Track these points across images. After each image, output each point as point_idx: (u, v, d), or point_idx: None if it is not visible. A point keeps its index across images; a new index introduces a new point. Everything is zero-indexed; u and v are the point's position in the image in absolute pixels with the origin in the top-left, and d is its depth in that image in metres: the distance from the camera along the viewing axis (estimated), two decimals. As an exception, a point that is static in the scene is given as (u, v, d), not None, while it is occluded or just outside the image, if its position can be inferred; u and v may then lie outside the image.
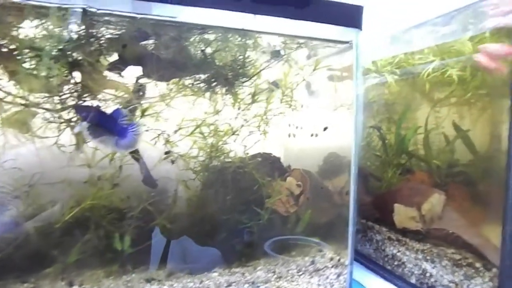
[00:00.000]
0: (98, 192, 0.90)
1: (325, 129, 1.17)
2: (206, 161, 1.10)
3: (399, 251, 1.20)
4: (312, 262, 1.03)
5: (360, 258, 1.35)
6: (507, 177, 0.92)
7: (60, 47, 0.81)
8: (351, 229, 1.07)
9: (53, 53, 0.81)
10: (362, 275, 1.24)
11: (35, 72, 0.84)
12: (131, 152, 1.05)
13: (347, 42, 1.02)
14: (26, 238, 0.87)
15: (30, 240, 0.86)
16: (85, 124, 0.84)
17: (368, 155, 1.57)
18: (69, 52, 0.84)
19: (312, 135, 1.22)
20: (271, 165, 1.21)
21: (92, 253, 0.92)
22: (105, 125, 0.84)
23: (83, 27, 0.83)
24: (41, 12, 0.83)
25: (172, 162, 0.99)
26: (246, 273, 0.94)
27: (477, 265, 0.97)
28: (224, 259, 1.02)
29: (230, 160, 1.12)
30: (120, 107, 0.92)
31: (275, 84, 1.08)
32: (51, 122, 0.92)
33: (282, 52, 1.08)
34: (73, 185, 0.91)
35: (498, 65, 1.03)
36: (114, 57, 0.99)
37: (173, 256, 1.01)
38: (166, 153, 0.98)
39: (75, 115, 0.89)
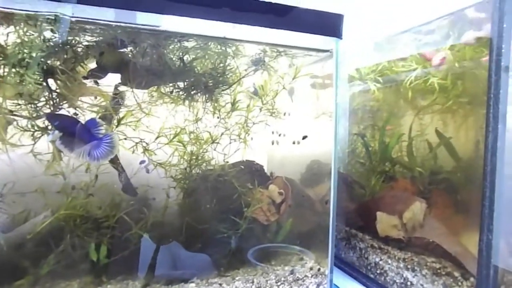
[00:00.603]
0: (72, 202, 0.88)
1: (304, 137, 1.16)
2: (186, 169, 1.09)
3: (381, 260, 1.20)
4: (292, 272, 1.02)
5: (344, 265, 1.35)
6: (483, 185, 0.92)
7: (33, 54, 0.80)
8: (331, 237, 1.07)
9: (26, 60, 0.80)
10: (345, 282, 1.24)
11: (8, 79, 0.83)
12: (110, 161, 1.04)
13: (327, 51, 1.02)
14: (-2, 249, 0.85)
15: (0, 251, 0.84)
16: (57, 133, 0.82)
17: (352, 162, 1.57)
18: (42, 60, 0.83)
19: (294, 142, 1.21)
20: (254, 173, 1.20)
21: (67, 264, 0.90)
22: (79, 135, 0.82)
23: (57, 34, 0.81)
24: (14, 19, 0.81)
25: (147, 171, 0.97)
26: (224, 284, 0.93)
27: (456, 274, 0.97)
28: (204, 268, 1.01)
29: (211, 168, 1.10)
30: (97, 116, 0.90)
31: (255, 93, 1.08)
32: (26, 130, 0.90)
33: (263, 60, 1.07)
34: (47, 194, 0.89)
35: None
36: (93, 64, 0.98)
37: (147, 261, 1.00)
38: (141, 162, 0.96)
39: (49, 123, 0.88)
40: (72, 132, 0.82)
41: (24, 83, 0.83)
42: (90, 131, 0.83)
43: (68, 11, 0.80)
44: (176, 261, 1.05)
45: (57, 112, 0.89)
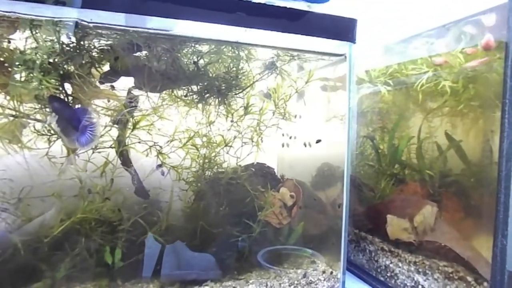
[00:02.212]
0: (88, 206, 0.88)
1: (318, 141, 1.17)
2: (199, 172, 1.10)
3: (391, 262, 1.20)
4: (305, 275, 1.02)
5: (353, 268, 1.35)
6: (498, 191, 0.92)
7: (51, 60, 0.80)
8: (343, 240, 1.07)
9: (44, 65, 0.81)
10: (355, 285, 1.24)
11: (25, 84, 0.84)
12: (123, 164, 1.05)
13: (341, 55, 1.02)
14: (14, 253, 0.85)
15: (18, 255, 0.85)
16: (54, 115, 0.84)
17: (361, 165, 1.57)
18: (60, 65, 0.84)
19: (305, 145, 1.22)
20: (265, 175, 1.21)
21: (82, 267, 0.91)
22: (71, 120, 0.86)
23: (75, 39, 0.82)
24: (33, 24, 0.82)
25: (162, 173, 0.98)
26: (237, 287, 0.94)
27: (469, 278, 0.97)
28: (217, 271, 1.01)
29: (223, 171, 1.11)
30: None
31: (267, 96, 1.08)
32: (41, 134, 0.91)
33: (276, 64, 1.08)
34: (63, 198, 0.90)
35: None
36: (106, 67, 0.99)
37: (166, 265, 1.00)
38: (158, 166, 0.97)
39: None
40: (66, 117, 0.85)
41: (41, 88, 0.84)
42: (80, 118, 0.85)
43: (85, 16, 0.80)
44: (185, 262, 1.05)
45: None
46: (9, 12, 0.78)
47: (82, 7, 0.77)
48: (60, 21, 0.80)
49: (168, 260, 1.00)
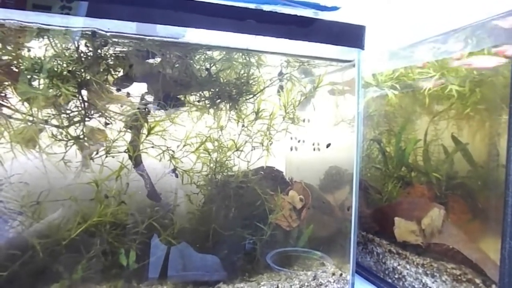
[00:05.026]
0: (104, 209, 0.91)
1: (328, 145, 1.19)
2: (209, 175, 1.12)
3: (399, 265, 1.22)
4: (315, 277, 1.04)
5: (361, 270, 1.37)
6: (506, 194, 0.93)
7: (70, 68, 0.83)
8: (352, 243, 1.09)
9: (63, 73, 0.83)
10: (363, 287, 1.26)
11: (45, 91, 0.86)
12: (136, 168, 1.07)
13: (349, 61, 1.04)
14: (32, 255, 0.88)
15: (36, 257, 0.87)
16: None
17: (368, 167, 1.59)
18: (78, 73, 0.86)
19: (314, 149, 1.24)
20: (275, 178, 1.23)
21: (98, 268, 0.94)
22: None
23: (91, 48, 0.85)
24: (49, 33, 0.85)
25: (176, 175, 1.00)
26: (249, 289, 0.96)
27: (477, 281, 0.98)
28: (227, 274, 1.03)
29: (233, 174, 1.13)
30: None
31: (281, 87, 1.10)
32: (59, 140, 0.94)
33: (282, 72, 1.10)
34: (79, 201, 0.93)
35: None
36: (121, 73, 1.01)
37: (174, 265, 1.02)
38: (173, 170, 0.99)
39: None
40: None
41: (59, 95, 0.86)
42: None
43: (102, 25, 0.83)
44: (196, 263, 1.08)
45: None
46: (27, 22, 0.81)
47: (86, 16, 0.80)
48: (75, 30, 0.83)
49: (179, 261, 1.03)
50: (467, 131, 1.38)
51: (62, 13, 0.76)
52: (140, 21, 0.85)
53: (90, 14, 0.78)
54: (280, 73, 1.08)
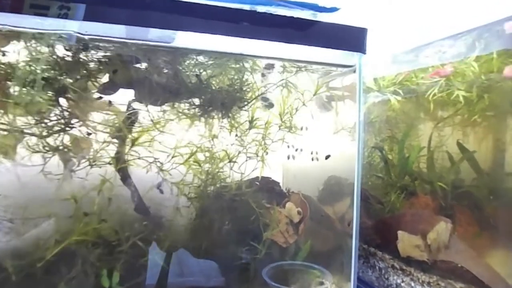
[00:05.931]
0: (84, 227, 0.84)
1: (327, 157, 1.12)
2: (200, 187, 1.05)
3: (403, 281, 1.15)
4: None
5: (362, 285, 1.30)
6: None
7: (47, 74, 0.76)
8: (354, 260, 1.02)
9: (38, 80, 0.76)
10: (365, 304, 1.19)
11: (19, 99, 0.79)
12: (123, 180, 1.00)
13: (350, 66, 0.97)
14: (6, 277, 0.81)
15: (10, 279, 0.80)
16: None
17: (369, 176, 1.52)
18: (56, 78, 0.79)
19: (312, 159, 1.17)
20: (270, 190, 1.16)
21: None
22: None
23: (71, 53, 0.78)
24: (28, 37, 0.78)
25: (161, 192, 0.93)
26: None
27: (488, 303, 0.92)
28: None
29: (226, 185, 1.06)
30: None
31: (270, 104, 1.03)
32: (36, 151, 0.87)
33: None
34: (59, 219, 0.86)
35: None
36: (105, 79, 0.95)
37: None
38: (158, 185, 0.92)
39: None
40: None
41: (35, 103, 0.79)
42: None
43: (80, 28, 0.76)
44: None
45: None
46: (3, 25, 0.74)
47: (84, 20, 0.73)
48: (55, 33, 0.76)
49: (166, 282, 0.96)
50: (473, 137, 1.32)
51: (60, 14, 0.70)
52: (130, 24, 0.78)
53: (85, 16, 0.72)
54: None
